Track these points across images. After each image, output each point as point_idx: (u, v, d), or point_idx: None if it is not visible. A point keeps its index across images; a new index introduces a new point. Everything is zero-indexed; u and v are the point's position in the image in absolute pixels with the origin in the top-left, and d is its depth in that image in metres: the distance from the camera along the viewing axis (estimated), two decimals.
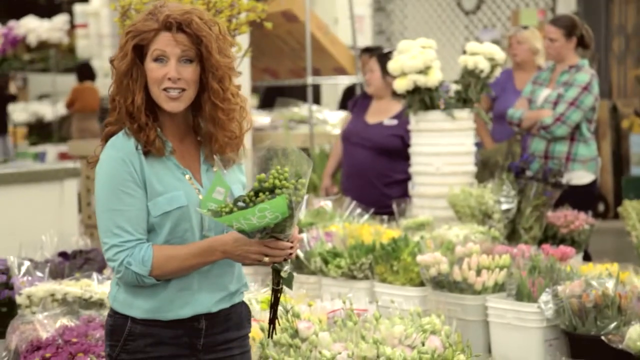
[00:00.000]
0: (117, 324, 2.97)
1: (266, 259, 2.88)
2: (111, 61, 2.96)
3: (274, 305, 3.07)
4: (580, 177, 6.11)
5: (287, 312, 3.66)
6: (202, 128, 2.99)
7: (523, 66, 7.04)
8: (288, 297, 4.07)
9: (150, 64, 2.90)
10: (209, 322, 2.98)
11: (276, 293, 3.04)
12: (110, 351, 2.98)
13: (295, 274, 4.71)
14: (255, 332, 3.60)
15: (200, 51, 2.89)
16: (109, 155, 2.91)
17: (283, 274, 2.97)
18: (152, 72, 2.89)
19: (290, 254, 2.92)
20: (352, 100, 6.92)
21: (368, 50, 6.98)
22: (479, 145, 6.22)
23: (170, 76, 2.88)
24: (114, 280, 3.00)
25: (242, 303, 3.09)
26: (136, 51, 2.90)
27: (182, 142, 2.99)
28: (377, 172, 6.26)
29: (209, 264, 2.93)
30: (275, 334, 3.12)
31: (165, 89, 2.89)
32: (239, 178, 3.03)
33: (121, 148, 2.91)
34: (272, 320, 3.08)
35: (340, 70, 8.13)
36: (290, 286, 3.02)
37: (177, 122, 2.98)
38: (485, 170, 5.87)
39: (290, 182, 2.80)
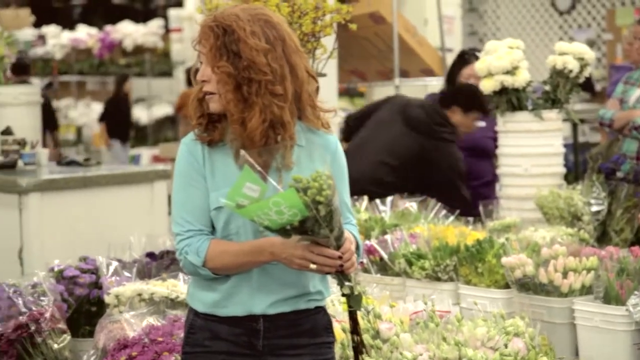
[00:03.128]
0: (187, 316, 3.09)
1: (313, 266, 2.86)
2: None
3: (353, 330, 3.05)
4: None
5: (368, 313, 3.66)
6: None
7: None
8: (370, 298, 4.07)
9: None
10: (269, 325, 2.99)
11: (350, 315, 3.03)
12: (182, 343, 3.11)
13: (379, 275, 4.77)
14: (337, 332, 3.60)
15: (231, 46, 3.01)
16: (181, 149, 3.03)
17: (344, 290, 2.95)
18: None
19: (341, 265, 2.88)
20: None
21: (464, 56, 6.83)
22: (567, 146, 6.12)
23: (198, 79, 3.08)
24: None
25: (319, 310, 3.07)
26: None
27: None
28: (468, 174, 6.23)
29: (261, 265, 2.95)
30: None
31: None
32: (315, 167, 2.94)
33: (190, 142, 3.03)
34: (355, 348, 3.07)
35: (428, 72, 8.10)
36: (357, 306, 3.00)
37: None
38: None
39: (317, 182, 2.77)
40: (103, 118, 14.06)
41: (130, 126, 14.43)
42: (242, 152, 2.88)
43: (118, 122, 13.89)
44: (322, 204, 2.78)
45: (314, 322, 3.05)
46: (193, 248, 2.96)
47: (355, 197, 5.43)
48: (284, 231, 2.83)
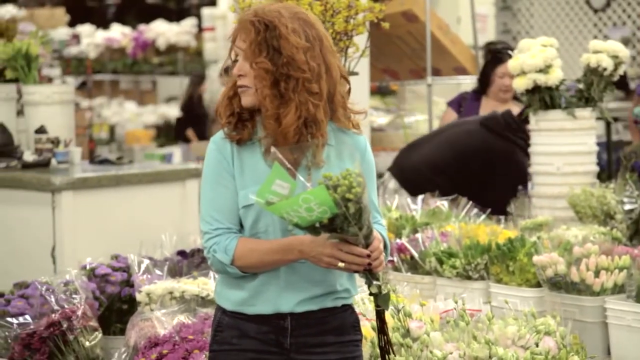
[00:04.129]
0: (215, 314, 3.10)
1: (341, 265, 2.86)
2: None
3: (380, 329, 3.04)
4: None
5: (399, 311, 3.65)
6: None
7: None
8: (401, 297, 4.06)
9: None
10: (296, 323, 2.99)
11: (378, 314, 3.02)
12: (210, 341, 3.12)
13: (410, 274, 4.76)
14: (367, 331, 3.60)
15: (272, 42, 2.98)
16: (210, 148, 3.04)
17: (372, 289, 2.94)
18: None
19: (370, 264, 2.88)
20: (455, 100, 6.90)
21: (497, 54, 6.82)
22: (600, 144, 6.08)
23: (234, 73, 3.06)
24: None
25: (346, 308, 3.08)
26: None
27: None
28: None
29: (289, 263, 2.95)
30: None
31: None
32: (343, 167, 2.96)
33: (219, 140, 3.04)
34: (383, 347, 3.06)
35: (461, 70, 8.06)
36: (385, 306, 2.99)
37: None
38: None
39: (347, 179, 2.77)
40: (186, 123, 14.00)
41: (207, 127, 14.35)
42: (273, 149, 2.90)
43: (194, 124, 13.87)
44: (352, 202, 2.78)
45: (341, 320, 3.05)
46: (221, 246, 2.97)
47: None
48: (313, 229, 2.83)
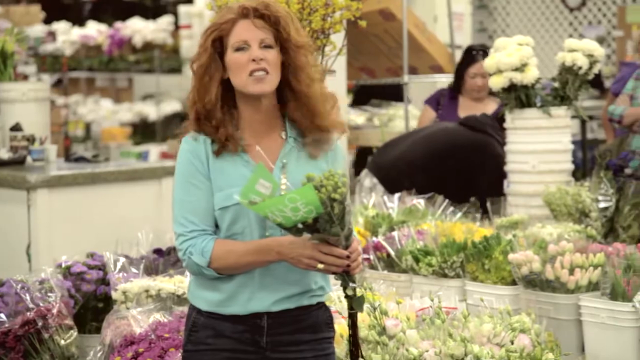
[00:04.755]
0: (188, 314, 3.07)
1: (320, 266, 2.85)
2: (191, 64, 3.00)
3: (352, 333, 3.03)
4: None
5: (375, 309, 3.66)
6: (287, 117, 3.02)
7: None
8: (377, 295, 4.07)
9: (231, 55, 2.95)
10: (272, 321, 2.98)
11: (351, 317, 3.01)
12: (184, 341, 3.09)
13: (386, 272, 4.76)
14: (342, 329, 3.61)
15: (279, 35, 2.95)
16: (182, 149, 2.99)
17: (348, 291, 2.93)
18: (236, 61, 2.94)
19: (349, 265, 2.87)
20: (433, 97, 6.92)
21: (470, 54, 6.83)
22: (576, 143, 6.12)
23: (253, 57, 2.91)
24: None
25: (320, 306, 3.07)
26: (215, 46, 2.95)
27: (264, 138, 3.01)
28: None
29: (267, 264, 2.93)
30: None
31: (250, 73, 2.92)
32: (321, 168, 2.98)
33: (192, 141, 2.99)
34: (353, 350, 3.05)
35: (437, 69, 8.08)
36: (359, 308, 2.97)
37: (260, 117, 3.00)
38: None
39: (331, 180, 2.77)
40: None
41: None
42: (258, 148, 2.93)
43: None
44: (337, 202, 2.79)
45: (316, 317, 3.05)
46: (198, 248, 2.94)
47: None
48: (295, 229, 2.83)
